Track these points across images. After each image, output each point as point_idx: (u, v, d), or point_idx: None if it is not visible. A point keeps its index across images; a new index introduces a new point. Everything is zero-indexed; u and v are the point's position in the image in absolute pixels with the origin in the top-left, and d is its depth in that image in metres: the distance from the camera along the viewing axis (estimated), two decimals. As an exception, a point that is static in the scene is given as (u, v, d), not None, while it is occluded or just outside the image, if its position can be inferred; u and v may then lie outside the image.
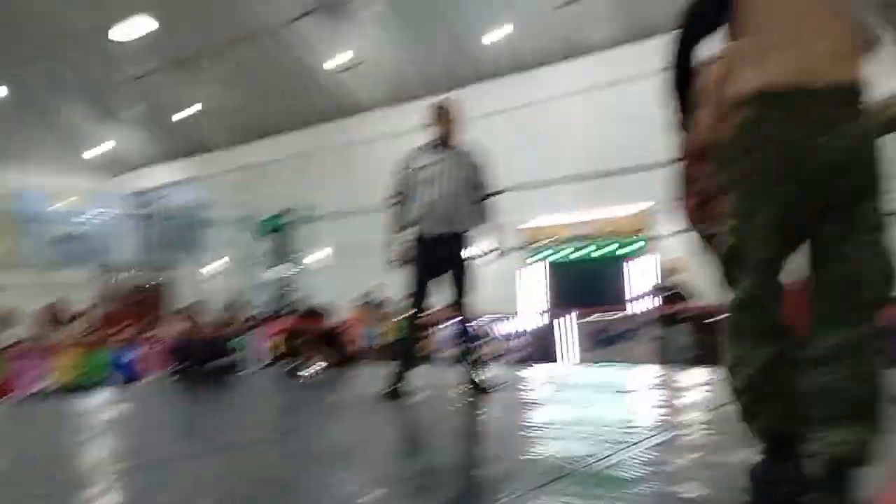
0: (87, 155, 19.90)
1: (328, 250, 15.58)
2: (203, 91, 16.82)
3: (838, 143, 1.78)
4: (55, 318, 15.40)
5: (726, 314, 1.91)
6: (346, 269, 11.85)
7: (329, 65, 14.88)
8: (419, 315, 4.26)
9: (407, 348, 4.27)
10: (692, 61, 2.04)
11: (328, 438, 3.19)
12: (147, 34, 13.48)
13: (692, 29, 2.01)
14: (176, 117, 17.49)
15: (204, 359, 6.09)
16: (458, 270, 4.20)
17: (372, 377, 4.89)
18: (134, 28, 12.99)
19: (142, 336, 10.07)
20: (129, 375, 7.59)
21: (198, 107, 17.11)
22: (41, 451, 3.36)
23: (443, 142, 4.25)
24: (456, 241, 4.18)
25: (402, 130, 10.10)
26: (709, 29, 1.99)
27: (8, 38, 15.37)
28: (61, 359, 6.92)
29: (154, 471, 2.68)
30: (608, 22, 12.07)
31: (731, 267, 1.91)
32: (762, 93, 1.83)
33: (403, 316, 4.44)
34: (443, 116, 4.26)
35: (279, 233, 6.25)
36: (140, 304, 17.76)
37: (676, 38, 2.03)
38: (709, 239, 2.23)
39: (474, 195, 4.26)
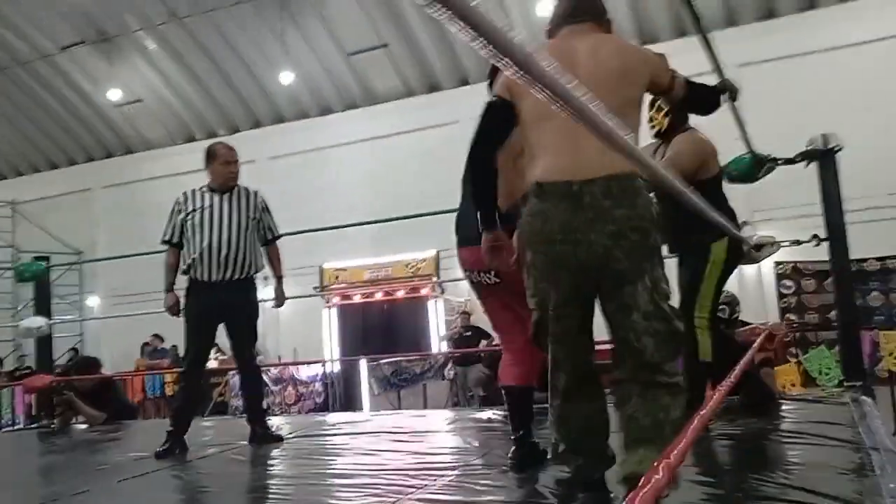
0: None
1: (97, 298, 14.36)
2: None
3: (602, 233, 2.04)
4: None
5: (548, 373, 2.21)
6: (124, 316, 10.97)
7: (107, 101, 14.03)
8: (198, 366, 4.01)
9: (184, 402, 4.00)
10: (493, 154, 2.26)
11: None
12: None
13: (493, 127, 2.24)
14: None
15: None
16: (241, 317, 4.01)
17: (151, 433, 4.52)
18: None
19: None
20: None
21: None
22: None
23: (219, 184, 4.04)
24: (236, 286, 3.96)
25: (183, 171, 9.68)
26: (506, 129, 2.25)
27: None
28: None
29: None
30: (400, 72, 12.45)
31: (541, 336, 2.21)
32: (541, 185, 2.10)
33: (181, 368, 4.16)
34: (219, 158, 4.05)
35: (40, 278, 5.64)
36: None
37: (479, 135, 2.24)
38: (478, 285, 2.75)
39: (257, 237, 4.11)
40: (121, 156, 14.86)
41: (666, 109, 3.34)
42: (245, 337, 4.04)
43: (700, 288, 3.23)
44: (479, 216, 2.27)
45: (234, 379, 8.54)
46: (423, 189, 9.58)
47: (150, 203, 13.43)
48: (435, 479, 2.66)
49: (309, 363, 9.90)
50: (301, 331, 11.42)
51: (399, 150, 11.96)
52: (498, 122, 2.23)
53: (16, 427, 7.03)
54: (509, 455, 2.71)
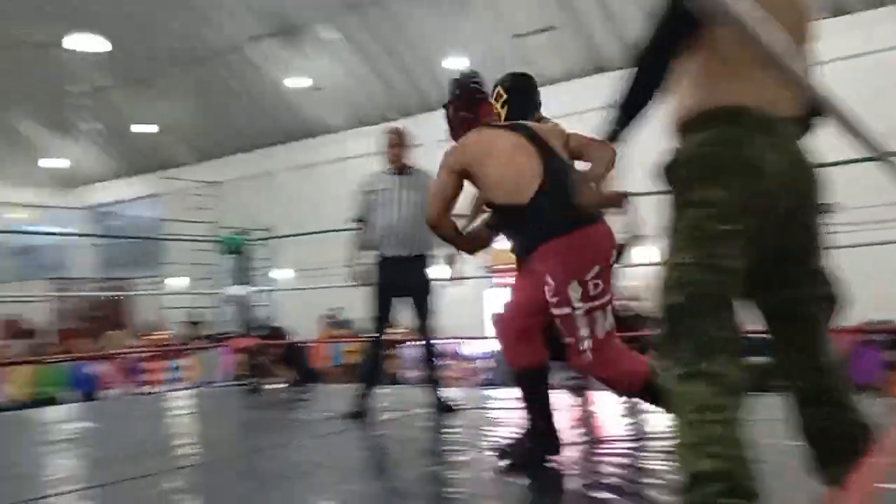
0: (45, 168, 19.64)
1: (289, 270, 15.58)
2: (162, 108, 16.80)
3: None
4: (12, 331, 15.13)
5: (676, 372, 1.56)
6: (308, 289, 11.87)
7: (288, 87, 15.03)
8: (381, 336, 4.35)
9: (370, 369, 4.36)
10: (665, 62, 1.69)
11: (291, 458, 3.25)
12: (103, 52, 13.47)
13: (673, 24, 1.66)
14: (135, 131, 17.39)
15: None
16: (420, 293, 4.31)
17: (336, 397, 4.96)
18: (88, 43, 13.00)
19: (99, 352, 9.93)
20: (88, 391, 7.50)
21: (155, 125, 17.09)
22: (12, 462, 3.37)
23: (397, 166, 4.39)
24: (416, 263, 4.29)
25: (360, 154, 10.23)
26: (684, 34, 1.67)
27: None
28: (17, 373, 6.80)
29: (109, 490, 2.70)
30: (568, 54, 12.40)
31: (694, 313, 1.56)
32: (741, 110, 1.66)
33: (367, 337, 4.53)
34: (396, 142, 4.40)
35: (239, 251, 6.28)
36: (97, 320, 17.48)
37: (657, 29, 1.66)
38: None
39: None
40: (302, 139, 15.93)
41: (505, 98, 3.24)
42: (423, 311, 4.33)
43: None
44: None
45: (408, 351, 9.04)
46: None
47: (326, 184, 14.36)
48: (583, 453, 2.82)
49: (485, 339, 10.20)
50: (462, 311, 11.79)
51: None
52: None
53: (219, 385, 7.87)
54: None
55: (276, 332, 6.49)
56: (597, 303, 2.55)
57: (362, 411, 4.17)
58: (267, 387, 5.93)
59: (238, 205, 16.20)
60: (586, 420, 3.91)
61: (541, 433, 2.73)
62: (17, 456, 3.66)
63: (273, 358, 6.01)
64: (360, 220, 4.44)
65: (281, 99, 15.59)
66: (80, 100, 17.24)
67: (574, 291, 2.52)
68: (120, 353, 8.67)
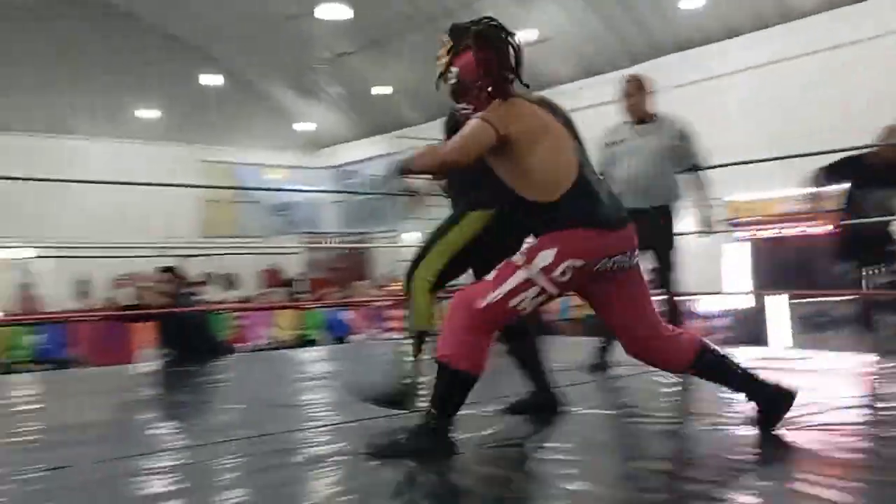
0: (296, 132, 21.50)
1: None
2: (398, 71, 17.57)
3: None
4: (273, 280, 16.93)
5: None
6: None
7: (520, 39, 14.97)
8: None
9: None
10: None
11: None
12: (346, 19, 14.30)
13: None
14: (374, 94, 18.42)
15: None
16: (663, 246, 4.13)
17: (573, 349, 4.94)
18: (335, 12, 13.91)
19: (347, 299, 10.80)
20: (340, 335, 8.19)
21: (391, 87, 17.96)
22: (271, 397, 3.76)
23: (637, 116, 4.19)
24: (657, 215, 4.10)
25: (593, 104, 9.95)
26: None
27: (224, 29, 16.88)
28: (280, 318, 7.57)
29: (349, 429, 2.86)
30: None
31: None
32: None
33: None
34: (635, 90, 4.21)
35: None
36: (342, 271, 19.04)
37: None
38: None
39: (676, 167, 4.16)
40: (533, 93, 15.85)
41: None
42: (666, 265, 4.16)
43: (432, 247, 2.80)
44: None
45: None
46: (844, 114, 8.57)
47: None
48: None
49: (734, 294, 9.71)
50: (698, 266, 11.20)
51: (809, 73, 10.76)
52: None
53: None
54: None
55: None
56: (547, 285, 2.27)
57: (602, 364, 4.11)
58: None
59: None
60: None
61: (433, 431, 2.35)
62: (278, 391, 4.05)
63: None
64: (600, 174, 4.33)
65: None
66: (326, 66, 18.59)
67: (543, 259, 2.26)
68: (366, 302, 9.34)
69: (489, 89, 2.48)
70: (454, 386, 2.32)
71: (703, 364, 2.47)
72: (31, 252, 13.67)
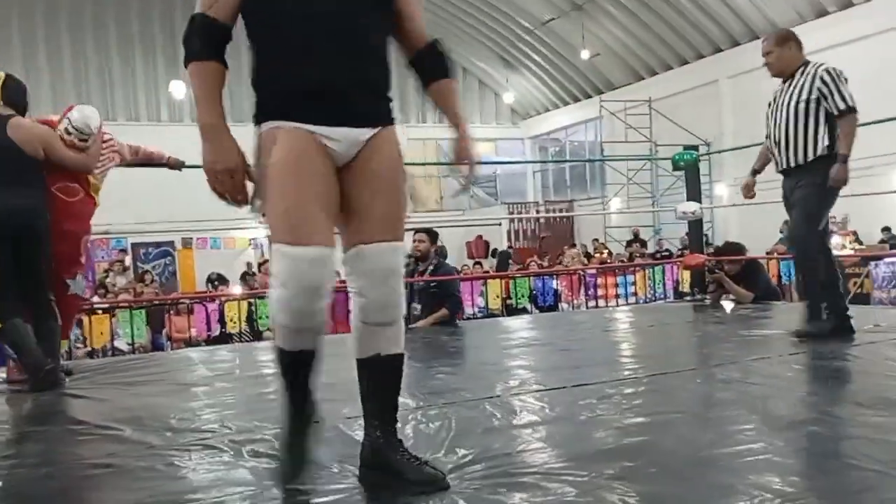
0: (499, 103, 21.76)
1: (724, 186, 14.84)
2: (602, 34, 17.14)
3: None
4: (479, 250, 17.40)
5: None
6: (751, 205, 11.17)
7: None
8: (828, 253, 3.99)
9: (829, 286, 3.93)
10: None
11: (756, 373, 3.12)
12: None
13: None
14: (577, 59, 18.12)
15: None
16: (797, 205, 3.88)
17: (785, 316, 4.64)
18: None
19: (551, 267, 10.82)
20: (550, 303, 8.25)
21: (596, 51, 17.55)
22: (483, 361, 3.90)
23: (777, 72, 4.02)
24: (797, 172, 3.88)
25: (816, 49, 9.09)
26: None
27: (428, 5, 17.35)
28: (490, 286, 7.74)
29: (558, 394, 2.89)
30: None
31: None
32: None
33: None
34: (769, 47, 4.00)
35: (690, 167, 6.17)
36: (547, 240, 19.10)
37: None
38: None
39: (821, 120, 3.77)
40: (747, 42, 14.77)
41: None
42: (792, 224, 4.03)
43: None
44: None
45: (877, 269, 8.00)
46: None
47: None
48: None
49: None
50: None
51: None
52: None
53: (667, 300, 7.96)
54: None
55: (732, 248, 6.26)
56: None
57: (839, 329, 3.82)
58: (723, 303, 5.79)
59: (675, 120, 15.91)
60: None
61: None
62: (488, 356, 4.16)
63: (729, 273, 5.83)
64: (766, 136, 4.16)
65: (723, 2, 14.67)
66: (528, 35, 18.59)
67: None
68: (575, 270, 9.30)
69: None
70: None
71: None
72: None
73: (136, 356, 5.44)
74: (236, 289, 9.88)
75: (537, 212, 20.76)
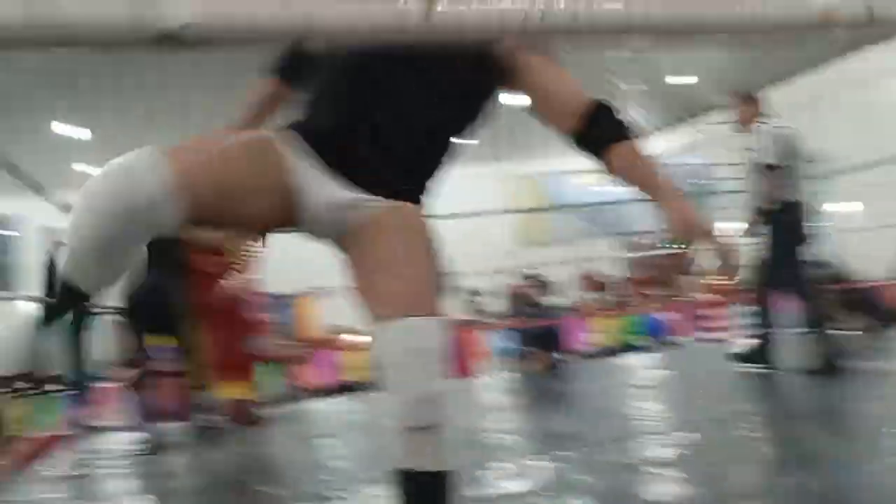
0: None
1: (857, 205, 14.04)
2: (698, 57, 16.88)
3: None
4: (590, 285, 17.30)
5: None
6: (876, 225, 10.61)
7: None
8: None
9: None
10: None
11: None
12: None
13: None
14: (673, 82, 17.90)
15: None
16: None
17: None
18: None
19: (669, 301, 10.70)
20: (662, 338, 8.19)
21: (693, 76, 17.31)
22: (600, 406, 4.01)
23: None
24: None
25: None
26: None
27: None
28: (599, 323, 7.83)
29: (686, 437, 2.99)
30: None
31: None
32: None
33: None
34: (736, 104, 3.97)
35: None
36: (664, 270, 18.69)
37: None
38: None
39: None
40: (858, 50, 14.15)
41: None
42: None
43: None
44: None
45: None
46: None
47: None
48: None
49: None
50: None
51: None
52: None
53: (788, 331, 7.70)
54: None
55: (838, 273, 6.07)
56: None
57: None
58: (834, 332, 5.61)
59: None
60: None
61: None
62: (605, 398, 4.27)
63: (838, 300, 5.64)
64: None
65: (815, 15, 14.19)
66: (621, 64, 18.48)
67: None
68: (682, 301, 9.20)
69: None
70: None
71: None
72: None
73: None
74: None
75: (641, 242, 20.35)
